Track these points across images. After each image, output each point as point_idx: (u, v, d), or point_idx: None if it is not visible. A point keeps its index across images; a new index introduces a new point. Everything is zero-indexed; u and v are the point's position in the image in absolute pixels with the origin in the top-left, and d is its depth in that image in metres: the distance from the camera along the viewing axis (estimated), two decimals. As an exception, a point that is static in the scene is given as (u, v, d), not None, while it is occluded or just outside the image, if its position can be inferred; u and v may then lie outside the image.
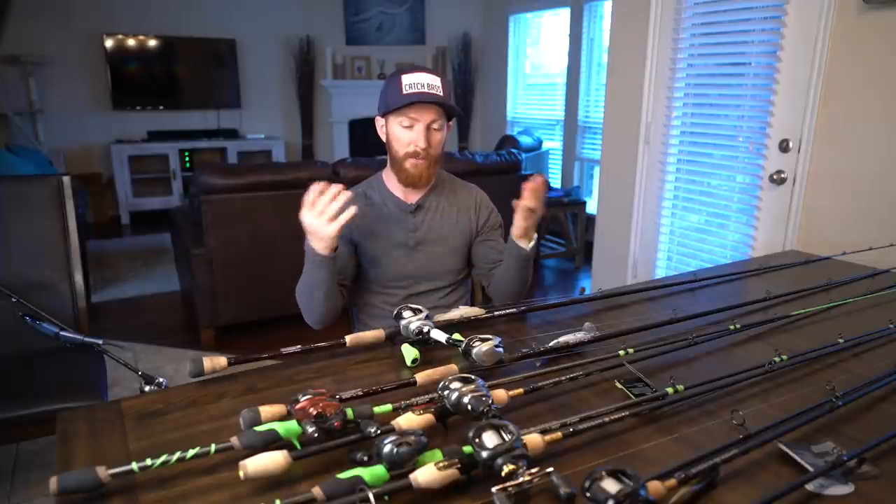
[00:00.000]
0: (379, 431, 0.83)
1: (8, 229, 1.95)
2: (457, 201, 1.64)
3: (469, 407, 0.87)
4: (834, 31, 2.28)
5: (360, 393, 0.98)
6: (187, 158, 5.92)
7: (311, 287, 1.41)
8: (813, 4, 2.31)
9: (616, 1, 3.18)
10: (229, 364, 1.10)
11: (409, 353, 1.15)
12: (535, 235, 1.48)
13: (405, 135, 1.47)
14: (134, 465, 0.78)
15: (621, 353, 1.14)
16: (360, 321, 1.68)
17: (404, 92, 1.43)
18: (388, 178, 1.60)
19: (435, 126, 1.47)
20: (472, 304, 1.76)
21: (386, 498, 0.73)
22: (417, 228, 1.58)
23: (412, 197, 1.59)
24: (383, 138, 1.54)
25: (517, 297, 1.56)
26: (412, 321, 1.19)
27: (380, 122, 1.54)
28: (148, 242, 5.26)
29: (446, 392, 0.89)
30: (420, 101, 1.42)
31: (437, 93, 1.44)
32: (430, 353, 1.18)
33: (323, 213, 1.27)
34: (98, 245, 5.00)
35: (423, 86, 1.43)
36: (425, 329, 1.17)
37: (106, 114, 5.79)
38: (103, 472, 0.77)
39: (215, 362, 1.08)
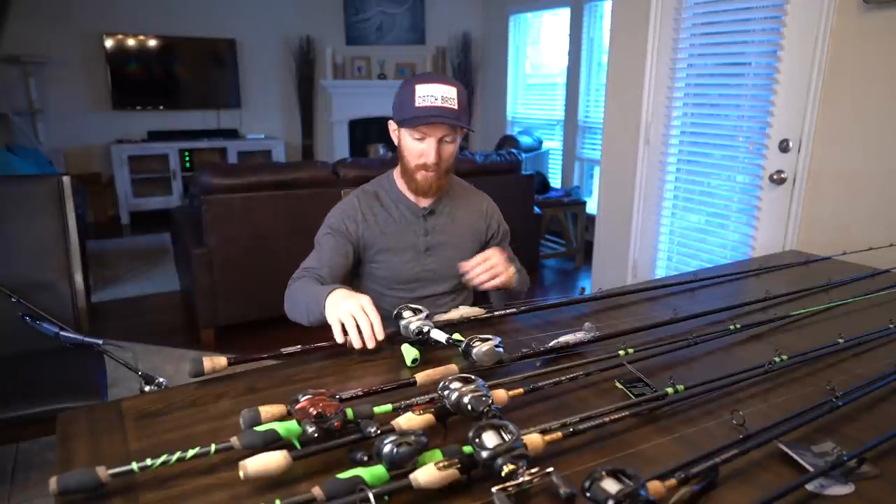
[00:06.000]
0: (379, 431, 0.83)
1: (8, 229, 1.95)
2: (468, 206, 1.65)
3: (469, 407, 0.87)
4: (834, 31, 2.28)
5: (360, 393, 0.98)
6: (187, 158, 5.91)
7: (306, 309, 1.35)
8: (813, 4, 2.31)
9: (616, 1, 3.18)
10: (229, 364, 1.10)
11: (409, 353, 1.15)
12: (511, 271, 1.47)
13: (416, 146, 1.46)
14: (134, 465, 0.78)
15: (621, 353, 1.14)
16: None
17: (417, 104, 1.40)
18: (400, 181, 1.58)
19: (447, 139, 1.46)
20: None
21: (386, 498, 0.73)
22: (429, 233, 1.58)
23: (424, 201, 1.58)
24: (395, 143, 1.53)
25: (520, 296, 1.59)
26: (412, 321, 1.19)
27: (392, 127, 1.52)
28: (148, 242, 5.26)
29: (446, 392, 0.89)
30: (431, 121, 1.40)
31: (452, 106, 1.41)
32: (430, 353, 1.18)
33: (363, 327, 1.19)
34: (98, 245, 5.00)
35: (436, 98, 1.39)
36: (425, 329, 1.17)
37: (106, 114, 5.79)
38: (103, 472, 0.77)
39: (215, 362, 1.08)
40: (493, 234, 1.68)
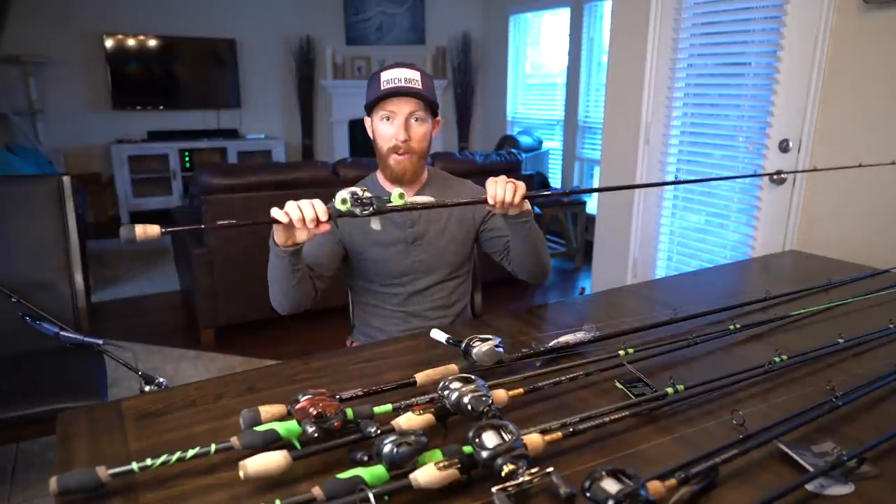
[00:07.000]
0: (379, 431, 0.83)
1: (8, 229, 1.95)
2: (452, 195, 1.61)
3: (469, 407, 0.87)
4: (834, 31, 2.28)
5: (360, 393, 0.98)
6: (187, 158, 5.91)
7: (272, 275, 1.36)
8: (813, 4, 2.31)
9: (616, 1, 3.18)
10: (161, 233, 1.05)
11: (339, 196, 1.12)
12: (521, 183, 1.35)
13: (387, 129, 1.49)
14: (134, 465, 0.78)
15: (621, 353, 1.14)
16: (360, 321, 1.68)
17: (382, 88, 1.45)
18: (381, 177, 1.60)
19: (416, 117, 1.47)
20: (472, 303, 1.76)
21: (386, 498, 0.73)
22: (415, 223, 1.58)
23: (407, 193, 1.58)
24: (371, 138, 1.56)
25: (542, 266, 1.54)
26: (345, 190, 1.17)
27: (367, 123, 1.56)
28: (148, 242, 5.21)
29: (446, 392, 0.89)
30: (396, 93, 1.44)
31: (415, 86, 1.45)
32: (430, 352, 1.18)
33: (305, 209, 1.17)
34: (98, 245, 4.99)
35: (399, 80, 1.45)
36: (360, 192, 1.15)
37: (106, 114, 5.78)
38: (103, 472, 0.77)
39: (147, 230, 1.03)
40: (484, 215, 1.64)
